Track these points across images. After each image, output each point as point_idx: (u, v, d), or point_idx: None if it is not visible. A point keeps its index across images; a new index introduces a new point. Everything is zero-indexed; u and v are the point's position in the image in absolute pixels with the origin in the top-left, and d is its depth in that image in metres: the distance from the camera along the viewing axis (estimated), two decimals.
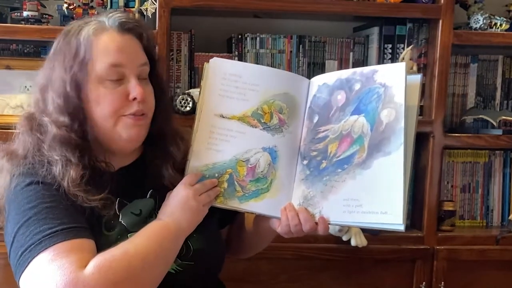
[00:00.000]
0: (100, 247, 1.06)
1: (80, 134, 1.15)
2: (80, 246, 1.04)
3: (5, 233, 1.12)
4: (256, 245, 1.42)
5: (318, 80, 1.34)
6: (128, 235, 1.15)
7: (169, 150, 1.25)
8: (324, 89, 1.32)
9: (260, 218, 1.30)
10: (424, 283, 1.80)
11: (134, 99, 1.15)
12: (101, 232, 1.14)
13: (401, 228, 1.13)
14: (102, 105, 1.14)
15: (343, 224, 1.32)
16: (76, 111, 1.14)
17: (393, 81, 1.21)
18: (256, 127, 1.28)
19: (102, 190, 1.13)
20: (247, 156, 1.26)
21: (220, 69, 1.29)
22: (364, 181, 1.18)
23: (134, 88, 1.15)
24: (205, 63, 1.30)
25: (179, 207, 1.17)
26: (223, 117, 1.27)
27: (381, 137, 1.18)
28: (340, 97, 1.29)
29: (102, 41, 1.15)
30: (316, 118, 1.31)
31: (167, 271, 1.13)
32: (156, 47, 1.62)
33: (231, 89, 1.28)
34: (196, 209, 1.18)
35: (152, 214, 1.21)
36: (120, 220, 1.16)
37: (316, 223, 1.21)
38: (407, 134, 1.17)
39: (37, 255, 1.01)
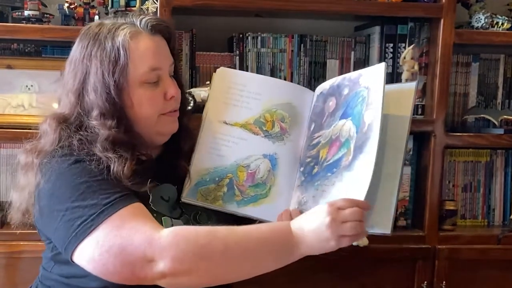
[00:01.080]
0: None
1: (127, 132, 1.18)
2: (139, 210, 1.08)
3: (43, 213, 1.13)
4: None
5: (318, 90, 1.36)
6: (162, 218, 1.17)
7: (181, 143, 1.29)
8: (321, 98, 1.34)
9: None
10: (425, 282, 1.80)
11: (171, 98, 1.22)
12: None
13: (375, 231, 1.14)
14: (144, 107, 1.20)
15: None
16: (122, 114, 1.18)
17: (374, 82, 1.21)
18: (257, 135, 1.31)
19: (145, 180, 1.15)
20: (247, 162, 1.29)
21: (226, 78, 1.34)
22: (348, 182, 1.18)
23: (171, 88, 1.22)
24: (213, 73, 1.35)
25: (312, 227, 1.09)
26: (226, 124, 1.31)
27: (364, 138, 1.18)
28: (332, 103, 1.30)
29: (140, 46, 1.18)
30: (312, 126, 1.32)
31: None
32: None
33: (236, 97, 1.32)
34: (328, 237, 1.09)
35: (176, 206, 1.23)
36: (151, 206, 1.17)
37: None
38: (396, 144, 1.17)
39: (102, 222, 1.03)
